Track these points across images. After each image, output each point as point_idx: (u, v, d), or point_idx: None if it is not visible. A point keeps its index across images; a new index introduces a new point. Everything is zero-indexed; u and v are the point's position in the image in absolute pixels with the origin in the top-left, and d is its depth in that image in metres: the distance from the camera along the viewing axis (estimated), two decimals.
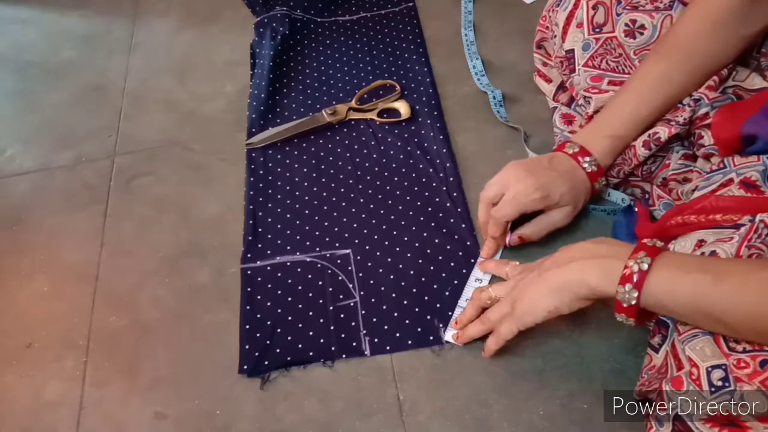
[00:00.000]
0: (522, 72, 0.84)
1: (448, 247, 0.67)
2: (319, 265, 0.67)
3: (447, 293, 0.64)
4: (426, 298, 0.64)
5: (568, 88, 0.74)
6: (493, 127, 0.78)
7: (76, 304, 0.67)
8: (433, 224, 0.69)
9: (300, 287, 0.66)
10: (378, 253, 0.67)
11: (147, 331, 0.64)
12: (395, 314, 0.63)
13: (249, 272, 0.67)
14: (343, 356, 0.61)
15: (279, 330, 0.63)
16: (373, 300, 0.64)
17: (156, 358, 0.62)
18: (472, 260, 0.66)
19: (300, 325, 0.63)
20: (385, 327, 0.62)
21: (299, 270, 0.67)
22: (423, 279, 0.65)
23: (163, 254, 0.70)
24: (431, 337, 0.61)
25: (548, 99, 0.79)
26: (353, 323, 0.63)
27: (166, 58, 0.93)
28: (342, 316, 0.63)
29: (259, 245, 0.69)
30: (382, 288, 0.65)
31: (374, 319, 0.63)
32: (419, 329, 0.62)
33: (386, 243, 0.68)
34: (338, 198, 0.73)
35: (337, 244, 0.69)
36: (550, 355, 0.58)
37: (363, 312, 0.63)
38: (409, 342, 0.61)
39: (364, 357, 0.61)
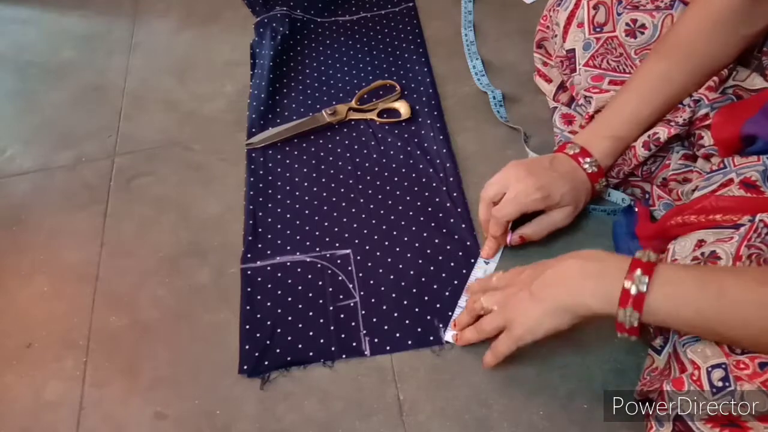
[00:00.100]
0: (522, 72, 0.84)
1: (448, 247, 0.67)
2: (319, 265, 0.67)
3: (447, 293, 0.64)
4: (426, 298, 0.64)
5: (568, 88, 0.74)
6: (493, 127, 0.78)
7: (76, 304, 0.67)
8: (433, 224, 0.69)
9: (300, 287, 0.66)
10: (378, 253, 0.67)
11: (147, 331, 0.64)
12: (395, 314, 0.63)
13: (249, 272, 0.67)
14: (343, 356, 0.61)
15: (279, 330, 0.63)
16: (373, 300, 0.64)
17: (156, 358, 0.62)
18: (472, 260, 0.66)
19: (300, 325, 0.63)
20: (385, 327, 0.62)
21: (299, 270, 0.67)
22: (423, 279, 0.65)
23: (163, 254, 0.70)
24: (431, 337, 0.61)
25: (548, 99, 0.79)
26: (353, 323, 0.63)
27: (166, 58, 0.93)
28: (342, 316, 0.63)
29: (259, 245, 0.69)
30: (382, 288, 0.65)
31: (374, 319, 0.63)
32: (419, 329, 0.62)
33: (386, 243, 0.68)
34: (338, 198, 0.73)
35: (337, 244, 0.69)
36: (550, 355, 0.58)
37: (363, 312, 0.63)
38: (409, 342, 0.61)
39: (364, 357, 0.61)
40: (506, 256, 0.66)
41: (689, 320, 0.43)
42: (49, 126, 0.86)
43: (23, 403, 0.61)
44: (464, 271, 0.65)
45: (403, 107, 0.80)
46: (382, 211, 0.71)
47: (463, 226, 0.68)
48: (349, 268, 0.67)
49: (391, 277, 0.65)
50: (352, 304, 0.64)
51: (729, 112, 0.55)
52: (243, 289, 0.66)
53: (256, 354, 0.61)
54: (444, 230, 0.69)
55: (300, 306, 0.64)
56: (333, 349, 0.61)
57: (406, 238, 0.68)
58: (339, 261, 0.67)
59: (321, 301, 0.64)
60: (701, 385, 0.41)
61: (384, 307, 0.63)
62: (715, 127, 0.56)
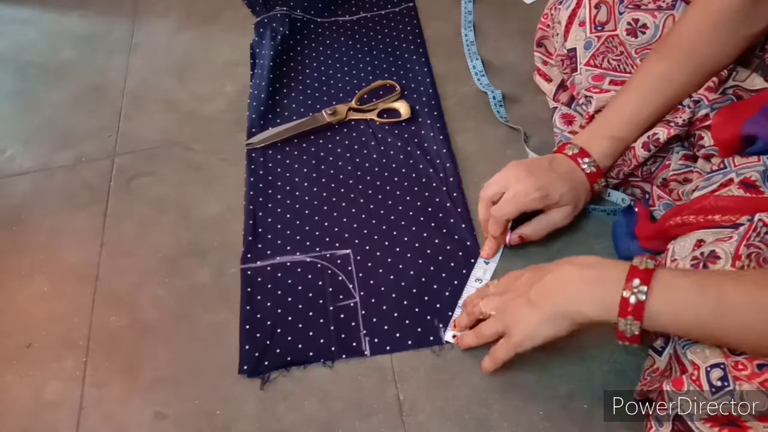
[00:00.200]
0: (522, 72, 0.84)
1: (448, 247, 0.67)
2: (319, 265, 0.67)
3: (447, 293, 0.64)
4: (426, 298, 0.64)
5: (568, 87, 0.74)
6: (493, 127, 0.78)
7: (76, 304, 0.67)
8: (433, 224, 0.69)
9: (300, 287, 0.66)
10: (378, 253, 0.67)
11: (147, 331, 0.64)
12: (395, 314, 0.63)
13: (249, 272, 0.67)
14: (343, 356, 0.61)
15: (279, 330, 0.63)
16: (373, 300, 0.64)
17: (156, 358, 0.62)
18: (472, 260, 0.66)
19: (300, 325, 0.63)
20: (385, 327, 0.62)
21: (299, 270, 0.67)
22: (423, 279, 0.65)
23: (163, 254, 0.70)
24: (431, 337, 0.61)
25: (548, 99, 0.79)
26: (353, 323, 0.63)
27: (166, 58, 0.93)
28: (342, 316, 0.63)
29: (259, 245, 0.69)
30: (382, 288, 0.65)
31: (374, 319, 0.63)
32: (419, 329, 0.62)
33: (386, 243, 0.68)
34: (338, 198, 0.73)
35: (337, 244, 0.69)
36: (550, 356, 0.58)
37: (363, 312, 0.63)
38: (409, 342, 0.61)
39: (364, 357, 0.61)
40: (506, 256, 0.66)
41: (689, 326, 0.43)
42: (49, 126, 0.86)
43: (23, 403, 0.61)
44: (464, 271, 0.65)
45: (403, 107, 0.80)
46: (382, 211, 0.71)
47: (463, 226, 0.68)
48: (349, 268, 0.67)
49: (391, 277, 0.65)
50: (352, 304, 0.64)
51: (729, 112, 0.55)
52: (243, 289, 0.66)
53: (256, 354, 0.61)
54: (444, 230, 0.69)
55: (300, 306, 0.64)
56: (333, 349, 0.61)
57: (406, 238, 0.68)
58: (339, 261, 0.67)
59: (321, 301, 0.64)
60: (700, 385, 0.41)
61: (384, 307, 0.63)
62: (715, 127, 0.56)
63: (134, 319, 0.65)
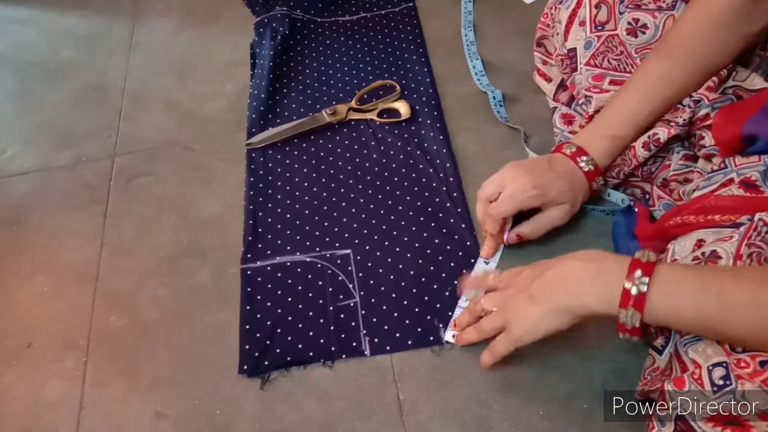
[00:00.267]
0: (522, 72, 0.84)
1: (448, 247, 0.67)
2: (319, 265, 0.67)
3: (447, 293, 0.64)
4: (426, 298, 0.64)
5: (568, 87, 0.74)
6: (493, 127, 0.78)
7: (76, 304, 0.67)
8: (433, 224, 0.69)
9: (300, 287, 0.66)
10: (378, 253, 0.67)
11: (147, 331, 0.64)
12: (395, 314, 0.63)
13: (249, 272, 0.67)
14: (343, 356, 0.61)
15: (279, 330, 0.63)
16: (373, 300, 0.64)
17: (156, 358, 0.62)
18: (472, 260, 0.66)
19: (300, 325, 0.63)
20: (385, 327, 0.62)
21: (299, 270, 0.67)
22: (423, 279, 0.65)
23: (163, 254, 0.70)
24: (431, 337, 0.61)
25: (548, 99, 0.79)
26: (353, 323, 0.63)
27: (166, 58, 0.93)
28: (342, 316, 0.63)
29: (259, 245, 0.69)
30: (382, 288, 0.65)
31: (374, 319, 0.63)
32: (419, 329, 0.62)
33: (386, 243, 0.68)
34: (338, 198, 0.73)
35: (337, 244, 0.69)
36: (550, 355, 0.58)
37: (363, 312, 0.63)
38: (409, 342, 0.61)
39: (364, 357, 0.61)
40: (506, 256, 0.66)
41: (690, 320, 0.43)
42: (49, 126, 0.86)
43: (23, 403, 0.61)
44: (464, 271, 0.65)
45: (403, 107, 0.80)
46: (382, 211, 0.71)
47: (463, 226, 0.68)
48: (349, 268, 0.67)
49: (391, 277, 0.65)
50: (352, 304, 0.64)
51: (729, 112, 0.55)
52: (243, 289, 0.66)
53: (256, 354, 0.61)
54: (444, 230, 0.69)
55: (300, 306, 0.64)
56: (333, 349, 0.61)
57: (406, 238, 0.68)
58: (339, 261, 0.67)
59: (321, 301, 0.64)
60: (702, 384, 0.41)
61: (384, 307, 0.63)
62: (716, 127, 0.56)
63: (134, 319, 0.65)
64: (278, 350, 0.61)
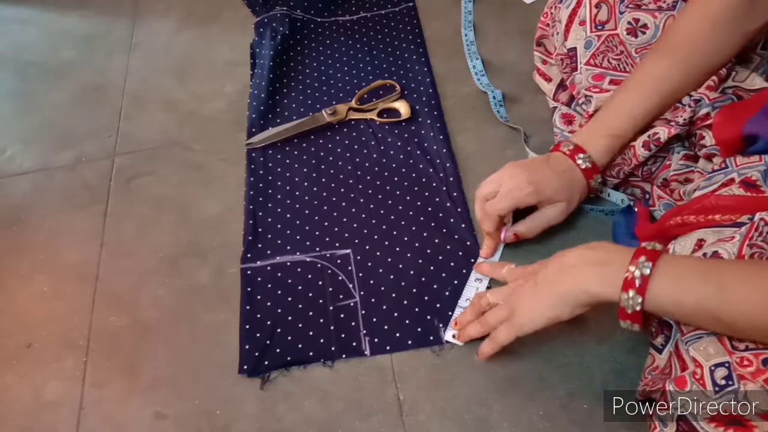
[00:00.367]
0: (522, 72, 0.84)
1: (448, 247, 0.67)
2: (319, 265, 0.67)
3: (447, 293, 0.64)
4: (426, 298, 0.64)
5: (568, 87, 0.74)
6: (493, 127, 0.78)
7: (76, 304, 0.67)
8: (433, 224, 0.69)
9: (300, 287, 0.66)
10: (378, 253, 0.67)
11: (147, 331, 0.64)
12: (395, 314, 0.63)
13: (249, 272, 0.67)
14: (343, 356, 0.61)
15: (279, 330, 0.63)
16: (373, 300, 0.64)
17: (156, 358, 0.62)
18: (472, 260, 0.66)
19: (300, 325, 0.63)
20: (385, 327, 0.62)
21: (299, 270, 0.67)
22: (423, 279, 0.65)
23: (163, 254, 0.70)
24: (431, 337, 0.61)
25: (548, 99, 0.79)
26: (353, 323, 0.63)
27: (166, 58, 0.93)
28: (342, 316, 0.63)
29: (259, 245, 0.69)
30: (382, 288, 0.65)
31: (374, 319, 0.63)
32: (419, 329, 0.62)
33: (386, 243, 0.68)
34: (338, 198, 0.73)
35: (337, 244, 0.69)
36: (550, 355, 0.58)
37: (363, 312, 0.63)
38: (409, 342, 0.61)
39: (364, 357, 0.61)
40: (506, 256, 0.66)
41: (691, 307, 0.43)
42: (49, 126, 0.86)
43: (23, 403, 0.61)
44: (464, 271, 0.65)
45: (403, 107, 0.80)
46: (382, 211, 0.71)
47: (463, 226, 0.68)
48: (349, 268, 0.67)
49: (391, 277, 0.65)
50: (352, 304, 0.64)
51: (730, 112, 0.55)
52: (243, 289, 0.66)
53: (256, 354, 0.61)
54: (444, 230, 0.68)
55: (300, 306, 0.64)
56: (333, 349, 0.61)
57: (406, 238, 0.68)
58: (339, 261, 0.67)
59: (321, 301, 0.64)
60: (704, 384, 0.41)
61: (384, 307, 0.63)
62: (717, 127, 0.56)
63: (134, 319, 0.65)
64: (278, 350, 0.61)
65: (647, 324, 0.47)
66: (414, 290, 0.64)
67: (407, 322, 0.62)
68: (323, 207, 0.72)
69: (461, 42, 0.88)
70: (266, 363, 0.61)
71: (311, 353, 0.61)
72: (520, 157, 0.73)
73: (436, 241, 0.68)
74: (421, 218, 0.70)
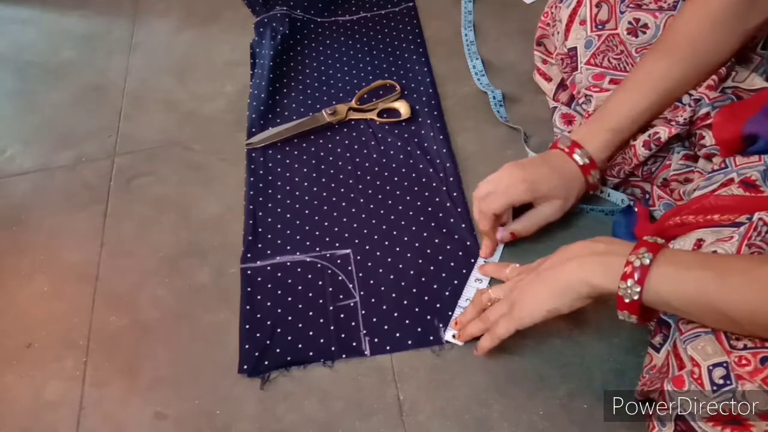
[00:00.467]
0: (522, 72, 0.84)
1: (448, 247, 0.67)
2: (319, 265, 0.67)
3: (447, 293, 0.64)
4: (426, 298, 0.64)
5: (568, 87, 0.74)
6: (493, 127, 0.78)
7: (76, 304, 0.67)
8: (433, 224, 0.69)
9: (300, 287, 0.66)
10: (378, 253, 0.67)
11: (147, 331, 0.64)
12: (395, 314, 0.63)
13: (249, 272, 0.67)
14: (343, 356, 0.61)
15: (279, 330, 0.63)
16: (373, 300, 0.64)
17: (156, 358, 0.62)
18: (472, 260, 0.66)
19: (300, 325, 0.63)
20: (385, 327, 0.62)
21: (299, 270, 0.67)
22: (423, 279, 0.65)
23: (163, 254, 0.70)
24: (431, 337, 0.61)
25: (548, 98, 0.79)
26: (353, 323, 0.63)
27: (166, 58, 0.93)
28: (342, 316, 0.63)
29: (259, 245, 0.69)
30: (382, 288, 0.65)
31: (374, 319, 0.63)
32: (419, 329, 0.62)
33: (386, 243, 0.68)
34: (338, 198, 0.73)
35: (337, 244, 0.69)
36: (550, 355, 0.58)
37: (363, 312, 0.63)
38: (409, 342, 0.61)
39: (364, 357, 0.61)
40: (506, 256, 0.66)
41: (690, 298, 0.43)
42: (49, 126, 0.86)
43: (23, 403, 0.61)
44: (464, 271, 0.65)
45: (403, 107, 0.80)
46: (382, 211, 0.71)
47: (463, 226, 0.68)
48: (349, 268, 0.67)
49: (391, 277, 0.65)
50: (352, 304, 0.64)
51: (730, 112, 0.56)
52: (243, 289, 0.66)
53: (256, 354, 0.61)
54: (444, 230, 0.69)
55: (300, 306, 0.64)
56: (333, 349, 0.61)
57: (406, 238, 0.68)
58: (339, 261, 0.67)
59: (321, 301, 0.64)
60: (702, 384, 0.41)
61: (384, 307, 0.63)
62: (717, 127, 0.56)
63: (134, 319, 0.65)
64: (278, 350, 0.61)
65: (647, 319, 0.47)
66: (414, 290, 0.64)
67: (407, 322, 0.62)
68: (323, 207, 0.72)
69: (461, 42, 0.88)
70: (266, 363, 0.61)
71: (311, 353, 0.61)
72: (520, 157, 0.72)
73: (436, 241, 0.68)
74: (421, 218, 0.70)
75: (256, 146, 0.78)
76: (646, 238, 0.47)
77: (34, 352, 0.64)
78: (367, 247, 0.68)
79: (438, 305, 0.63)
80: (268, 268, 0.67)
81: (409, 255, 0.67)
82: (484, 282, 0.64)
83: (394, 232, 0.69)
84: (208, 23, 0.97)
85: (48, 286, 0.69)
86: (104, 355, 0.63)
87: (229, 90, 0.87)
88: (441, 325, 0.62)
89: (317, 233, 0.70)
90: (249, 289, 0.66)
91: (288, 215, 0.72)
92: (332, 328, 0.62)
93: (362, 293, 0.64)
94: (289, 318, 0.63)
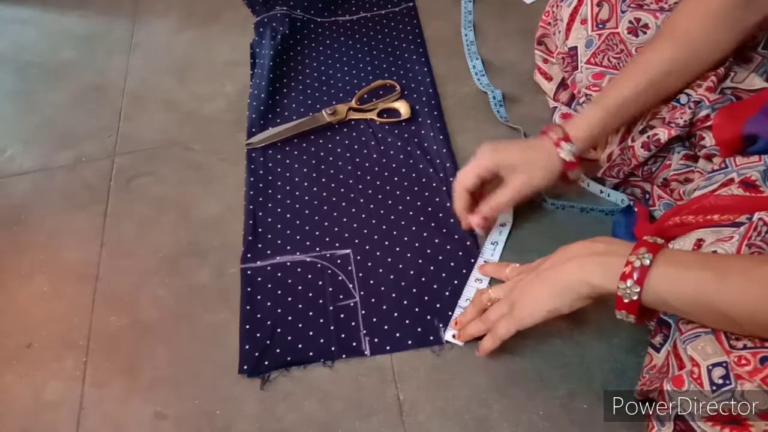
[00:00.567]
0: (522, 72, 0.84)
1: (448, 247, 0.67)
2: (319, 265, 0.67)
3: (447, 293, 0.64)
4: (426, 298, 0.64)
5: (568, 86, 0.74)
6: (493, 127, 0.78)
7: (76, 304, 0.67)
8: (433, 224, 0.69)
9: (300, 287, 0.66)
10: (378, 253, 0.67)
11: (147, 331, 0.64)
12: (395, 314, 0.63)
13: (249, 272, 0.67)
14: (343, 356, 0.61)
15: (279, 330, 0.63)
16: (373, 300, 0.64)
17: (156, 358, 0.62)
18: (472, 260, 0.66)
19: (300, 325, 0.63)
20: (385, 327, 0.62)
21: (299, 270, 0.67)
22: (423, 279, 0.65)
23: (163, 254, 0.70)
24: (431, 337, 0.61)
25: (548, 98, 0.79)
26: (353, 323, 0.63)
27: (166, 58, 0.93)
28: (342, 316, 0.63)
29: (259, 245, 0.69)
30: (382, 288, 0.65)
31: (374, 319, 0.63)
32: (419, 329, 0.62)
33: (386, 243, 0.68)
34: (338, 198, 0.73)
35: (337, 244, 0.69)
36: (550, 355, 0.59)
37: (363, 312, 0.63)
38: (409, 342, 0.61)
39: (364, 357, 0.61)
40: (506, 256, 0.66)
41: (689, 297, 0.43)
42: (49, 126, 0.86)
43: (23, 403, 0.61)
44: (464, 271, 0.65)
45: (403, 107, 0.80)
46: (382, 211, 0.71)
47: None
48: (349, 268, 0.67)
49: (391, 277, 0.65)
50: (352, 304, 0.64)
51: (730, 112, 0.56)
52: (243, 289, 0.66)
53: (256, 354, 0.61)
54: (444, 230, 0.69)
55: (300, 306, 0.64)
56: (333, 349, 0.61)
57: (406, 238, 0.68)
58: (339, 261, 0.67)
59: (321, 301, 0.64)
60: (701, 384, 0.41)
61: (384, 307, 0.63)
62: (717, 127, 0.56)
63: (134, 319, 0.65)
64: (278, 350, 0.61)
65: (646, 319, 0.47)
66: (414, 290, 0.64)
67: (407, 322, 0.62)
68: (323, 207, 0.72)
69: (461, 42, 0.88)
70: (266, 363, 0.61)
71: (311, 353, 0.61)
72: None
73: (436, 241, 0.68)
74: (421, 218, 0.70)
75: (256, 146, 0.78)
76: (646, 238, 0.47)
77: (34, 352, 0.64)
78: (367, 247, 0.68)
79: (438, 305, 0.63)
80: (268, 268, 0.67)
81: (409, 255, 0.67)
82: (484, 282, 0.64)
83: (394, 232, 0.69)
84: (208, 23, 0.97)
85: (48, 286, 0.69)
86: (104, 355, 0.63)
87: (229, 90, 0.87)
88: (441, 325, 0.62)
89: (317, 233, 0.70)
90: (249, 289, 0.66)
91: (288, 215, 0.72)
92: (332, 328, 0.62)
93: (362, 293, 0.64)
94: (289, 318, 0.63)
